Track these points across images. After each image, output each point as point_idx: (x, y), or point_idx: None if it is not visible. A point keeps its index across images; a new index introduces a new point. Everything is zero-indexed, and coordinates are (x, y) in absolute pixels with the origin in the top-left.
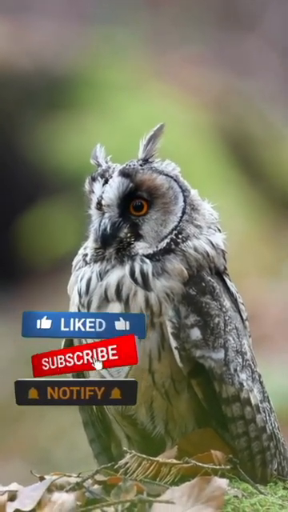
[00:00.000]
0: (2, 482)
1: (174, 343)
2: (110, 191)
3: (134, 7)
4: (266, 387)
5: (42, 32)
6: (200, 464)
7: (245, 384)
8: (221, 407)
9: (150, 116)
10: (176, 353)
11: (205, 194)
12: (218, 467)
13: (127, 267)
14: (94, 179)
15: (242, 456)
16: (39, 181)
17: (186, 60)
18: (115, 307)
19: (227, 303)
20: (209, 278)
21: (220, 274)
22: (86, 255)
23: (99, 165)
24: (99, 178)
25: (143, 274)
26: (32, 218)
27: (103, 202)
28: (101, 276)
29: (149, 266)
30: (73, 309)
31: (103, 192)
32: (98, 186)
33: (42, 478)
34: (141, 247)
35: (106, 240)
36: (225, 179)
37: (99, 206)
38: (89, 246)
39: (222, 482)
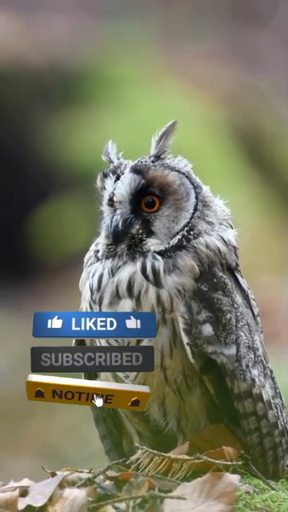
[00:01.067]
0: (13, 478)
1: (185, 339)
2: (121, 188)
3: (146, 2)
4: (277, 383)
5: (54, 28)
6: (211, 460)
7: (257, 380)
8: (233, 403)
9: (162, 112)
10: (188, 349)
11: (216, 190)
12: (229, 463)
13: (138, 264)
14: (105, 176)
15: (254, 452)
16: (51, 176)
17: (199, 55)
18: (126, 304)
19: (239, 299)
20: (220, 274)
21: (231, 270)
22: (97, 251)
23: (111, 161)
24: (111, 174)
25: (154, 271)
26: (44, 213)
27: (115, 199)
28: (112, 272)
29: (160, 263)
30: (84, 305)
31: (115, 188)
32: (109, 183)
33: (53, 474)
34: (152, 244)
35: (117, 236)
36: (236, 175)
37: (111, 202)
38: (100, 243)
39: (234, 478)
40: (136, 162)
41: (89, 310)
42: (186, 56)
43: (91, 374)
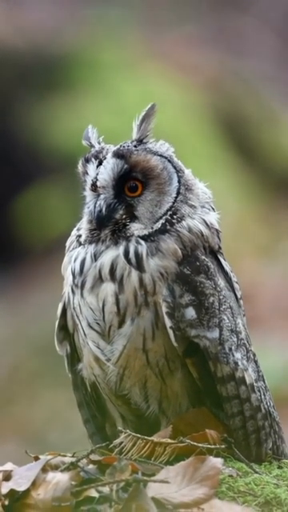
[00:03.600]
0: None
1: (168, 323)
2: (104, 172)
3: None
4: (260, 366)
5: (36, 12)
6: (194, 443)
7: (239, 363)
8: (215, 386)
9: (144, 96)
10: (171, 332)
11: (199, 175)
12: (212, 446)
13: (121, 248)
14: (87, 160)
15: (237, 435)
16: (34, 161)
17: (181, 40)
18: (109, 287)
19: (221, 282)
20: (203, 257)
21: (214, 253)
22: (79, 236)
23: (92, 146)
24: (93, 159)
25: (137, 256)
26: (27, 199)
27: (98, 184)
28: (95, 257)
29: (143, 248)
30: (66, 289)
31: (98, 173)
32: (92, 168)
33: (36, 458)
34: (136, 228)
35: (101, 221)
36: (220, 160)
37: (94, 187)
38: (83, 227)
39: (217, 462)
40: (118, 146)
41: (71, 295)
42: (168, 41)
43: (73, 357)
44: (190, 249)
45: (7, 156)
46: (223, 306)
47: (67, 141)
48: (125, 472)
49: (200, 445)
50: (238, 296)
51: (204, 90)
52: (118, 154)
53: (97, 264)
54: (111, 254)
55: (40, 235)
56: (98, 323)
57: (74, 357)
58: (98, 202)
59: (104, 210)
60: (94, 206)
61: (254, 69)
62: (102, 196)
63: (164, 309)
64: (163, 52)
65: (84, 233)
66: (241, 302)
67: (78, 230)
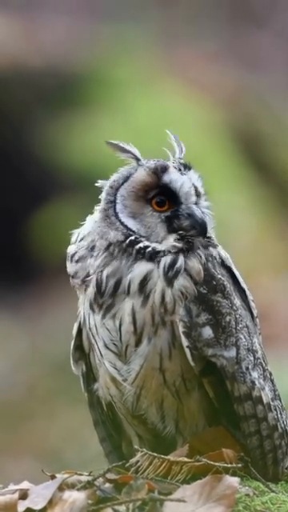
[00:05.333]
0: (13, 481)
1: (185, 342)
2: (198, 181)
3: (145, 4)
4: (276, 385)
5: (53, 30)
6: (211, 462)
7: (256, 382)
8: (232, 405)
9: (161, 113)
10: (188, 351)
11: (217, 192)
12: (229, 465)
13: (167, 260)
14: (165, 169)
15: (254, 454)
16: (50, 179)
17: (198, 57)
18: (126, 305)
19: (237, 301)
20: (219, 276)
21: (231, 271)
22: (145, 248)
23: (137, 158)
24: (182, 168)
25: (176, 271)
26: (42, 216)
27: (200, 191)
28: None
29: (182, 263)
30: (82, 308)
31: (193, 181)
32: (176, 176)
33: (53, 477)
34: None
35: (206, 229)
36: (236, 176)
37: (198, 194)
38: (163, 238)
39: (234, 481)
40: (178, 160)
41: (86, 316)
42: (185, 58)
43: (89, 376)
44: (206, 269)
45: (23, 173)
46: (240, 325)
47: (82, 158)
48: (141, 491)
49: (216, 464)
50: (254, 314)
51: (220, 106)
52: (191, 168)
53: (128, 275)
54: (146, 267)
55: (55, 252)
56: (114, 344)
57: (90, 376)
58: (202, 210)
59: (205, 218)
60: (197, 213)
61: (271, 85)
62: (204, 204)
63: (181, 328)
64: (179, 69)
65: (168, 244)
66: (256, 320)
67: (135, 241)
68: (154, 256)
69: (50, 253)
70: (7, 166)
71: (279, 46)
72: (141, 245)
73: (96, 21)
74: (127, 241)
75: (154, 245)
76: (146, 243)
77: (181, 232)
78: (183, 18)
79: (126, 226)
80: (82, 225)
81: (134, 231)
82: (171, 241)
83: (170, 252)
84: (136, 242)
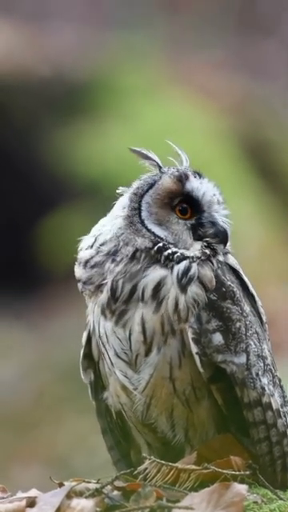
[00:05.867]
0: (21, 488)
1: (194, 349)
2: (216, 190)
3: (152, 12)
4: (286, 392)
5: (60, 38)
6: (219, 470)
7: (266, 388)
8: (241, 412)
9: (168, 120)
10: (197, 358)
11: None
12: (237, 473)
13: (181, 266)
14: (187, 177)
15: (263, 461)
16: (58, 186)
17: (205, 65)
18: (136, 314)
19: (247, 307)
20: (229, 283)
21: (240, 277)
22: (173, 253)
23: (159, 166)
24: (197, 175)
25: (190, 277)
26: (49, 223)
27: (221, 200)
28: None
29: (196, 271)
30: (91, 317)
31: (214, 190)
32: (197, 184)
33: (61, 484)
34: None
35: (228, 237)
36: (243, 184)
37: (219, 202)
38: (185, 245)
39: (242, 488)
40: (190, 169)
41: (96, 324)
42: (191, 65)
43: (97, 385)
44: (216, 276)
45: (30, 181)
46: (250, 331)
47: (90, 165)
48: (149, 498)
49: (225, 471)
50: (263, 320)
51: (227, 113)
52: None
53: (141, 281)
54: (159, 273)
55: (63, 260)
56: (125, 353)
57: (98, 384)
58: (225, 218)
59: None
60: (221, 221)
61: (278, 92)
62: (224, 212)
63: (190, 335)
64: (186, 76)
65: (195, 251)
66: (266, 326)
67: (164, 247)
68: (182, 261)
69: (57, 260)
70: (14, 174)
71: (286, 54)
72: (169, 251)
73: (103, 28)
74: (155, 247)
75: (181, 251)
76: (174, 249)
77: (207, 239)
78: (190, 25)
79: (153, 233)
80: (91, 230)
81: (161, 238)
82: (198, 248)
83: (198, 258)
84: (164, 248)
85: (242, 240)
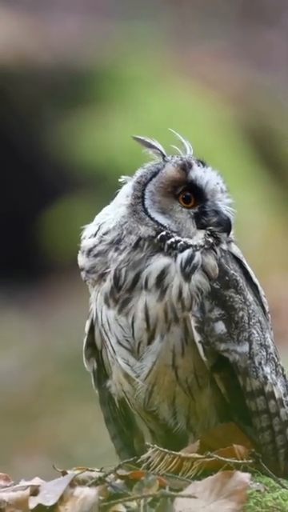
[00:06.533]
0: (24, 477)
1: (197, 337)
2: (219, 178)
3: (156, 2)
4: None
5: (64, 28)
6: (222, 458)
7: (269, 377)
8: (243, 401)
9: (172, 110)
10: (200, 346)
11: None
12: (240, 461)
13: (184, 255)
14: (191, 165)
15: (266, 450)
16: (62, 176)
17: (208, 55)
18: (139, 302)
19: (250, 297)
20: (232, 271)
21: (244, 267)
22: (177, 242)
23: (163, 154)
24: (201, 164)
25: (194, 265)
26: (53, 213)
27: (225, 188)
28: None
29: (199, 259)
30: (94, 305)
31: (218, 179)
32: (201, 172)
33: (64, 473)
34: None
35: (231, 226)
36: (247, 174)
37: (222, 190)
38: (189, 233)
39: (245, 477)
40: (194, 157)
41: (99, 312)
42: (195, 55)
43: (100, 373)
44: (220, 265)
45: (34, 170)
46: (252, 320)
47: (93, 155)
48: (152, 487)
49: (227, 460)
50: (266, 310)
51: (231, 103)
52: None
53: (145, 269)
54: (163, 261)
55: (66, 250)
56: (127, 340)
57: (101, 373)
58: (229, 207)
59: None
60: (222, 211)
61: (281, 82)
62: (227, 201)
63: (193, 323)
64: (190, 66)
65: (199, 239)
66: (268, 315)
67: (167, 236)
68: (185, 249)
69: (61, 250)
70: (18, 164)
71: None
72: (172, 239)
73: (107, 18)
74: (158, 236)
75: (185, 239)
76: (177, 238)
77: (210, 228)
78: (194, 15)
79: (156, 222)
80: (95, 219)
81: (164, 226)
82: (201, 236)
83: (202, 247)
84: (167, 236)
85: (245, 229)
